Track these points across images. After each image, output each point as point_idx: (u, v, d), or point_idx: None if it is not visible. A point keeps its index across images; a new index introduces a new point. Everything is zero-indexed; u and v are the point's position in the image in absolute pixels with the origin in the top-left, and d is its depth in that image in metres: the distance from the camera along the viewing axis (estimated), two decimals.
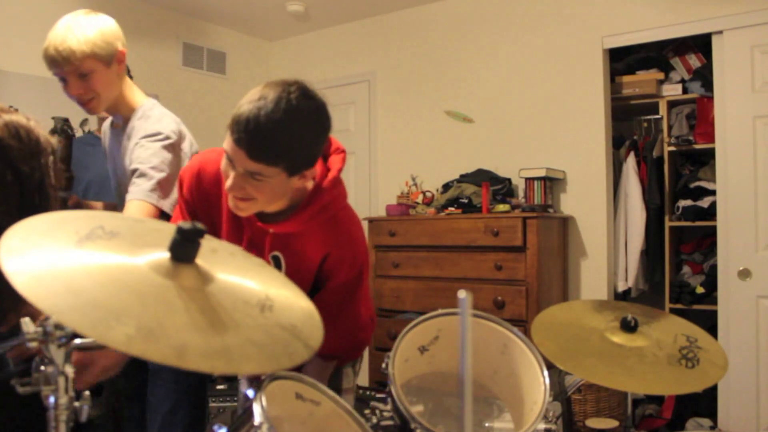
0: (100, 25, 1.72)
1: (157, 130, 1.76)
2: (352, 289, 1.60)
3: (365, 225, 3.97)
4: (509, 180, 3.86)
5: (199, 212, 1.57)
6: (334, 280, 1.56)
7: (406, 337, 1.30)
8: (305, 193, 1.47)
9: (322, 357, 1.51)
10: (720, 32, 3.29)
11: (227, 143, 1.32)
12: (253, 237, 1.50)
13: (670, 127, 3.71)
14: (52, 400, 0.83)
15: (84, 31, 1.67)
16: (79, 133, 3.38)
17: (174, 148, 1.78)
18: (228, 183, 1.34)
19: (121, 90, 1.82)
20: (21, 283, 0.71)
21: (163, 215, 1.71)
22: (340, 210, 1.54)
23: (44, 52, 1.66)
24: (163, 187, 1.71)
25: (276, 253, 1.51)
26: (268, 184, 1.33)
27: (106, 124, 2.03)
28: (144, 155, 1.72)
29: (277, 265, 1.51)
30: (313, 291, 1.59)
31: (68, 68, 1.67)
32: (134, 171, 1.72)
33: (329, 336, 1.45)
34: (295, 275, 1.42)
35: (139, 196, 1.68)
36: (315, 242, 1.50)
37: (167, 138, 1.76)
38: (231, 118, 1.30)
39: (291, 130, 1.28)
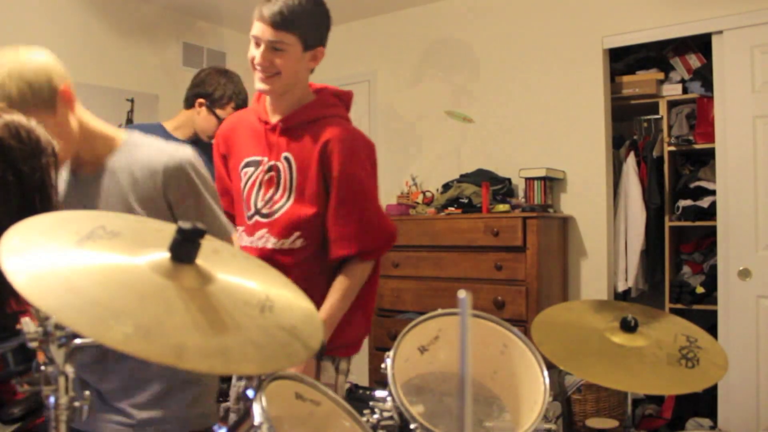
0: None
1: None
2: (359, 179, 1.70)
3: None
4: (509, 180, 3.86)
5: (230, 152, 1.85)
6: (335, 167, 1.68)
7: (406, 337, 1.30)
8: (308, 96, 1.79)
9: (357, 256, 1.70)
10: (720, 32, 3.29)
11: (253, 29, 1.66)
12: (269, 140, 1.75)
13: (670, 127, 3.70)
14: (52, 400, 0.83)
15: None
16: None
17: None
18: (257, 59, 1.66)
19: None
20: (21, 282, 0.71)
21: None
22: (340, 117, 1.79)
23: None
24: None
25: (287, 153, 1.73)
26: (288, 55, 1.65)
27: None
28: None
29: (289, 166, 1.73)
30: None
31: None
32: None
33: (352, 229, 1.67)
34: (304, 172, 1.70)
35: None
36: (317, 135, 1.71)
37: None
38: (257, 6, 1.66)
39: (303, 5, 1.63)
